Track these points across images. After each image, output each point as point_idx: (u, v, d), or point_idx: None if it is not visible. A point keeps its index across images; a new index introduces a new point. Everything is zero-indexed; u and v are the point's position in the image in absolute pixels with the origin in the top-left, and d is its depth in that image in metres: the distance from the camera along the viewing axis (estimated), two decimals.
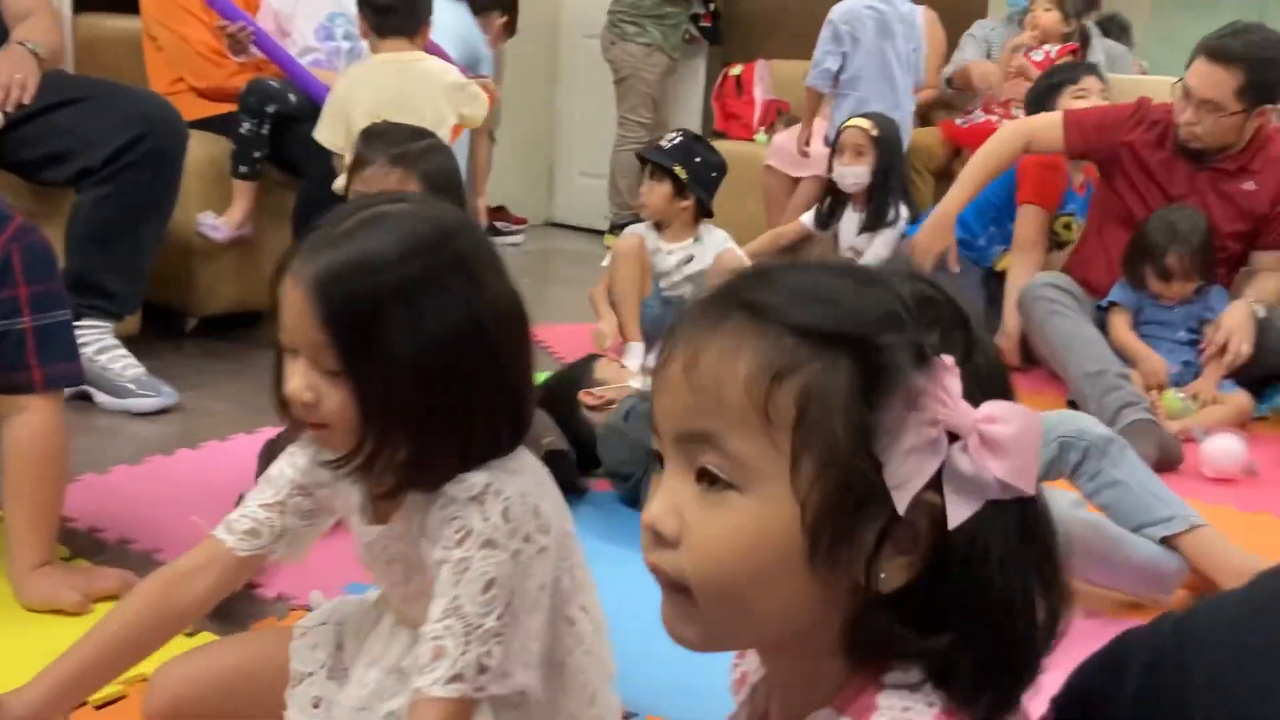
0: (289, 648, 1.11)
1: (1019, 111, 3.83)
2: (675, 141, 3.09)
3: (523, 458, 0.99)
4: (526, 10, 4.95)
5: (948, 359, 0.58)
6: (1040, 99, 3.50)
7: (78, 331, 2.38)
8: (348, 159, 2.69)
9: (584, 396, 2.14)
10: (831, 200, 3.56)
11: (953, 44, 4.60)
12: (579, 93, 5.73)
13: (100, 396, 2.43)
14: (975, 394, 0.58)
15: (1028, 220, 3.30)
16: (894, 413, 0.57)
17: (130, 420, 2.39)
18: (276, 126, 2.95)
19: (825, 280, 0.62)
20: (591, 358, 2.32)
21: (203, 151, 2.89)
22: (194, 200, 2.89)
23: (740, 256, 3.07)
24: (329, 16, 3.29)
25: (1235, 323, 2.75)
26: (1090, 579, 1.72)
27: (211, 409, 2.43)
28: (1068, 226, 3.39)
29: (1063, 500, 1.73)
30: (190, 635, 1.46)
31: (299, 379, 0.93)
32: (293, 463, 1.08)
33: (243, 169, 2.98)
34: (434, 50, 2.94)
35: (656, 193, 3.04)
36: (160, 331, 2.94)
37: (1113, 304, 2.89)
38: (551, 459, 2.06)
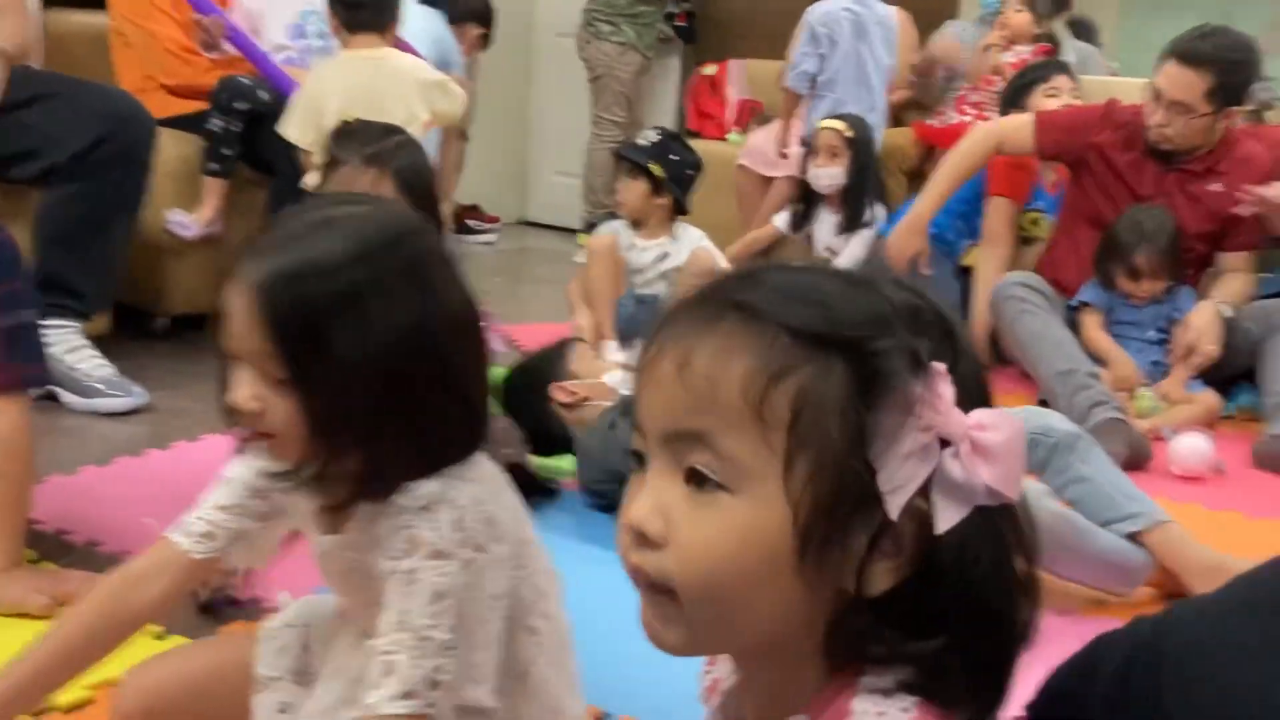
0: (254, 652, 1.09)
1: (992, 112, 3.86)
2: (652, 140, 3.10)
3: (479, 465, 0.96)
4: (501, 9, 4.94)
5: (940, 366, 0.58)
6: (1013, 97, 3.53)
7: (45, 331, 2.36)
8: (316, 156, 2.69)
9: (556, 392, 2.08)
10: (806, 201, 3.57)
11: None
12: (553, 91, 5.72)
13: (68, 397, 2.40)
14: (963, 402, 0.59)
15: (996, 213, 3.32)
16: (890, 417, 0.57)
17: (99, 421, 2.37)
18: (248, 124, 2.93)
19: (817, 282, 0.62)
20: (565, 343, 2.26)
21: (173, 149, 2.87)
22: (164, 198, 2.87)
23: (714, 254, 3.08)
24: (301, 14, 3.27)
25: (1203, 323, 2.78)
26: (1056, 571, 1.73)
27: (182, 409, 2.42)
28: (1035, 223, 3.42)
29: (1032, 489, 1.74)
30: (160, 639, 1.45)
31: (244, 388, 0.91)
32: (250, 464, 1.05)
33: (213, 166, 2.96)
34: (403, 47, 2.94)
35: (633, 190, 3.04)
36: (130, 331, 2.92)
37: (1084, 304, 2.91)
38: (510, 471, 2.07)
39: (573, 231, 5.31)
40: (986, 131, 3.22)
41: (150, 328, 3.04)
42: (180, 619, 1.46)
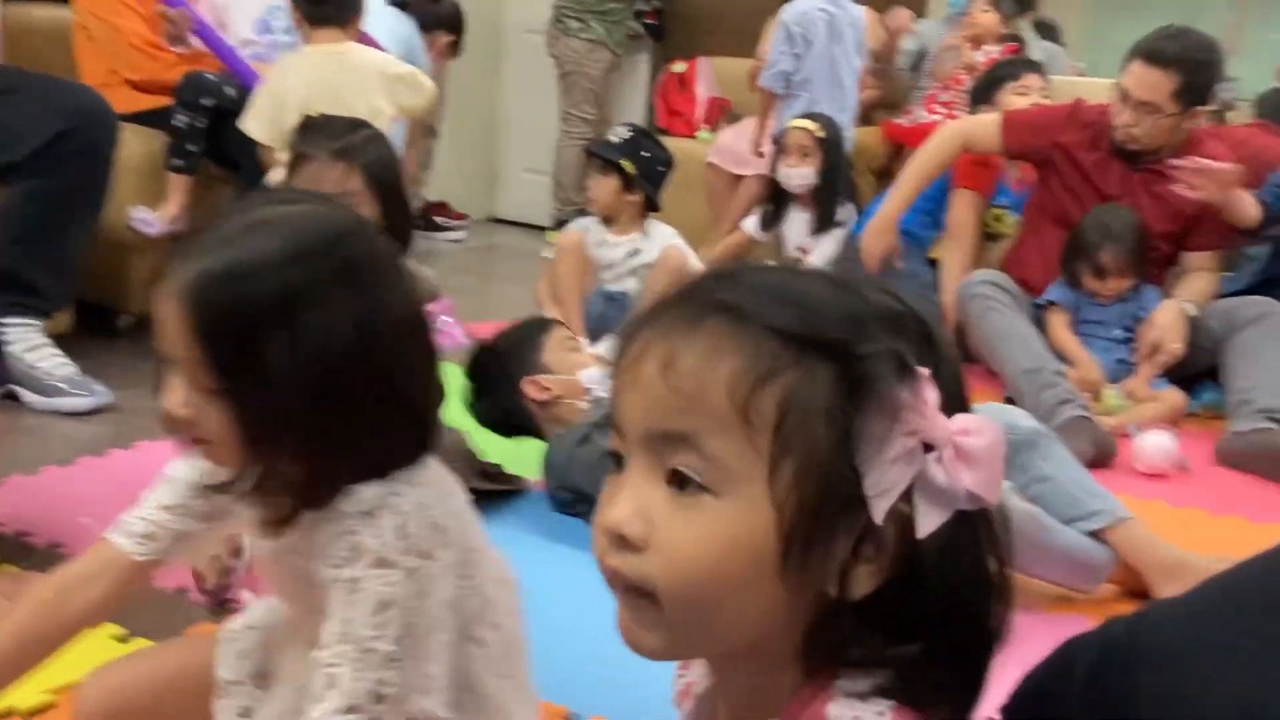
0: (215, 655, 1.06)
1: (961, 111, 3.88)
2: (624, 136, 3.10)
3: (426, 468, 0.93)
4: (470, 5, 4.92)
5: (924, 370, 0.58)
6: (983, 93, 3.56)
7: (5, 330, 2.34)
8: (278, 152, 2.67)
9: (528, 386, 2.02)
10: (776, 200, 3.58)
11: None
12: (521, 88, 5.70)
13: (29, 396, 2.37)
14: (944, 405, 0.59)
15: (961, 206, 3.34)
16: (876, 422, 0.57)
17: (61, 420, 2.34)
18: (214, 120, 2.91)
19: (800, 284, 0.61)
20: (543, 324, 2.18)
21: (137, 145, 2.84)
22: (128, 195, 2.84)
23: (686, 252, 3.08)
24: (268, 9, 3.24)
25: (1167, 321, 2.81)
26: (1021, 566, 1.74)
27: (146, 409, 2.37)
28: (999, 219, 3.44)
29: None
30: (123, 641, 1.43)
31: (175, 394, 0.87)
32: (193, 464, 1.01)
33: (178, 163, 2.92)
34: (367, 42, 2.92)
35: (604, 187, 3.04)
36: (93, 329, 2.88)
37: (1050, 303, 2.93)
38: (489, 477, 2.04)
39: (542, 229, 5.29)
40: (953, 130, 3.24)
41: (113, 326, 3.00)
42: (143, 621, 1.45)
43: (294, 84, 2.53)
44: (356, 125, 1.85)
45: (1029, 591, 1.75)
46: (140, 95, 3.07)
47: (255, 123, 2.56)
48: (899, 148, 4.23)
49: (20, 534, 1.75)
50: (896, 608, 0.59)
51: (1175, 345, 2.78)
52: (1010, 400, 2.68)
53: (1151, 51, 2.85)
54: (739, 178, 4.28)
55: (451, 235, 5.18)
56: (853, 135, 4.07)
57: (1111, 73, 3.02)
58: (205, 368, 0.85)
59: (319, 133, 1.82)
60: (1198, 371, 2.88)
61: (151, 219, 2.90)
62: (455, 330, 1.85)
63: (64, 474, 2.03)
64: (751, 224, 3.68)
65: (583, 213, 3.75)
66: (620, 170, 3.01)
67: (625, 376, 0.62)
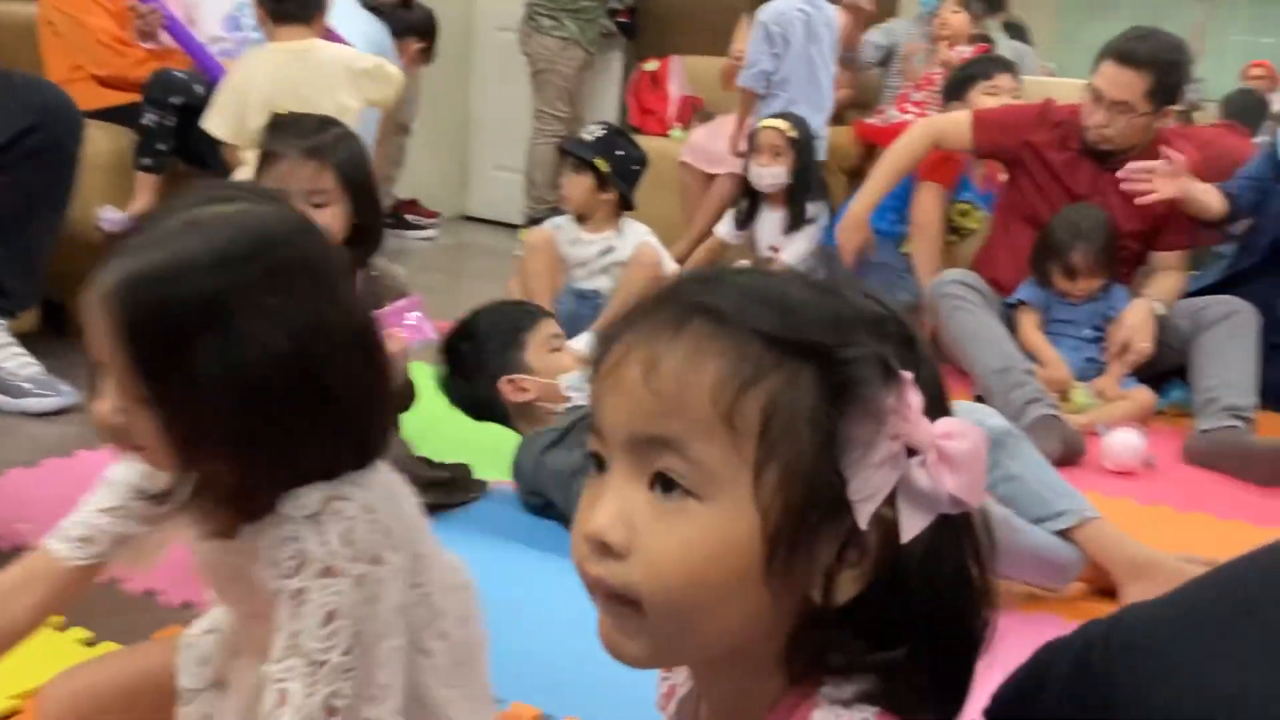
0: (174, 662, 1.04)
1: (934, 111, 3.90)
2: (597, 135, 3.10)
3: (375, 471, 0.90)
4: (442, 2, 4.90)
5: (908, 374, 0.58)
6: (954, 90, 3.57)
7: None
8: (242, 151, 2.65)
9: (505, 386, 1.99)
10: (749, 200, 3.59)
11: None
12: (493, 85, 5.68)
13: None
14: (926, 409, 0.59)
15: (925, 199, 3.35)
16: (861, 426, 0.57)
17: (26, 421, 2.31)
18: (182, 118, 2.88)
19: (782, 287, 0.61)
20: (530, 316, 2.09)
21: (105, 143, 2.81)
22: (95, 193, 2.80)
23: (659, 250, 3.08)
24: (237, 5, 3.21)
25: (1136, 320, 2.83)
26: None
27: None
28: (964, 214, 3.45)
29: None
30: (90, 645, 1.42)
31: (105, 400, 0.84)
32: (133, 466, 0.98)
33: (146, 162, 2.90)
34: (332, 37, 2.90)
35: (578, 185, 3.04)
36: (59, 329, 2.84)
37: (1021, 303, 2.95)
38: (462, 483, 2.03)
39: (514, 227, 5.28)
40: (924, 128, 3.26)
41: (79, 325, 2.97)
42: (111, 625, 1.43)
43: (257, 82, 2.51)
44: (327, 123, 1.83)
45: (999, 591, 1.76)
46: (107, 91, 3.04)
47: (217, 121, 2.54)
48: (871, 147, 4.24)
49: None
50: (880, 612, 0.59)
51: (1144, 344, 2.81)
52: (980, 399, 2.70)
53: (1123, 52, 2.87)
54: (712, 176, 4.28)
55: (423, 233, 5.15)
56: (827, 135, 4.09)
57: (1080, 73, 3.05)
58: (132, 373, 0.82)
59: (289, 131, 1.80)
60: (1165, 370, 2.90)
61: (119, 218, 2.86)
62: (425, 326, 1.83)
63: (30, 475, 2.01)
64: (725, 227, 3.69)
65: (556, 211, 3.74)
66: (594, 169, 3.01)
67: (606, 380, 0.61)
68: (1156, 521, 2.21)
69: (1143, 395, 2.82)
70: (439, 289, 3.96)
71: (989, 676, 0.78)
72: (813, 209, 3.50)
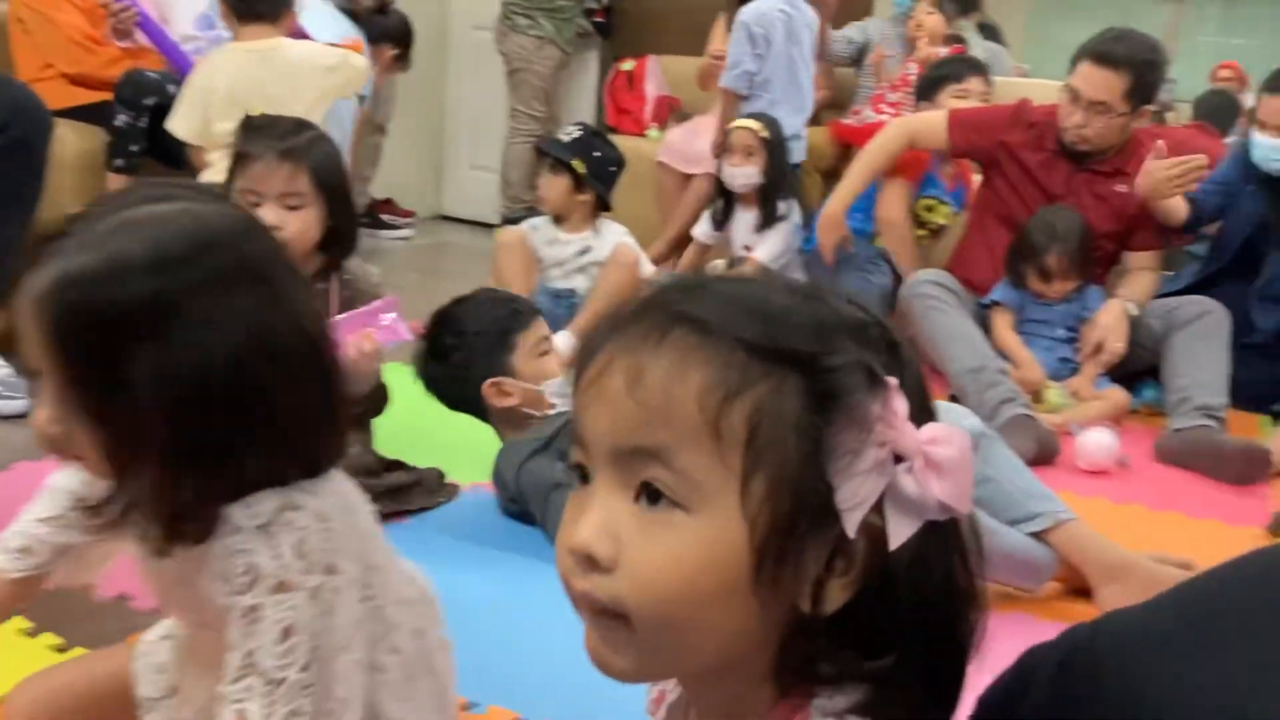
0: (132, 671, 1.01)
1: (909, 112, 3.91)
2: (574, 136, 3.10)
3: (328, 479, 0.86)
4: (418, 1, 4.88)
5: (893, 381, 0.58)
6: (925, 90, 3.59)
7: None
8: (207, 153, 2.64)
9: (489, 389, 1.97)
10: (724, 200, 3.60)
11: None
12: (469, 84, 5.66)
13: None
14: (911, 415, 0.58)
15: (889, 195, 3.36)
16: (848, 434, 0.57)
17: None
18: (155, 119, 2.86)
19: (765, 294, 0.61)
20: (521, 319, 2.03)
21: (76, 143, 2.79)
22: (66, 194, 2.78)
23: (637, 250, 3.08)
24: (211, 4, 3.19)
25: (1110, 321, 2.85)
26: None
27: None
28: (930, 209, 3.46)
29: None
30: (61, 652, 1.40)
31: (44, 410, 0.80)
32: (74, 475, 0.95)
33: (119, 163, 2.88)
34: (300, 35, 2.88)
35: (555, 186, 3.04)
36: None
37: (996, 303, 2.96)
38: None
39: (490, 226, 5.26)
40: (899, 127, 3.27)
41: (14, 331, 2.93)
42: (82, 631, 1.42)
43: (220, 82, 2.49)
44: (301, 126, 1.82)
45: (987, 596, 1.77)
46: (77, 90, 3.02)
47: (181, 122, 2.52)
48: (847, 147, 4.25)
49: None
50: (869, 620, 0.58)
51: (1118, 345, 2.82)
52: (954, 399, 2.71)
53: (1101, 52, 2.88)
54: (689, 177, 4.28)
55: (398, 233, 5.13)
56: (807, 135, 4.10)
57: (1052, 73, 3.06)
58: (65, 380, 0.78)
59: (263, 133, 1.79)
60: (1138, 369, 2.93)
61: None
62: (400, 327, 1.82)
63: (0, 479, 1.99)
64: (702, 228, 3.70)
65: (532, 210, 3.74)
66: (571, 170, 3.01)
67: (589, 391, 0.61)
68: (1130, 520, 2.23)
69: (1117, 395, 2.84)
70: (414, 289, 3.94)
71: (971, 680, 0.78)
72: (784, 207, 3.51)
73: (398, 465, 2.00)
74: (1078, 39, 3.00)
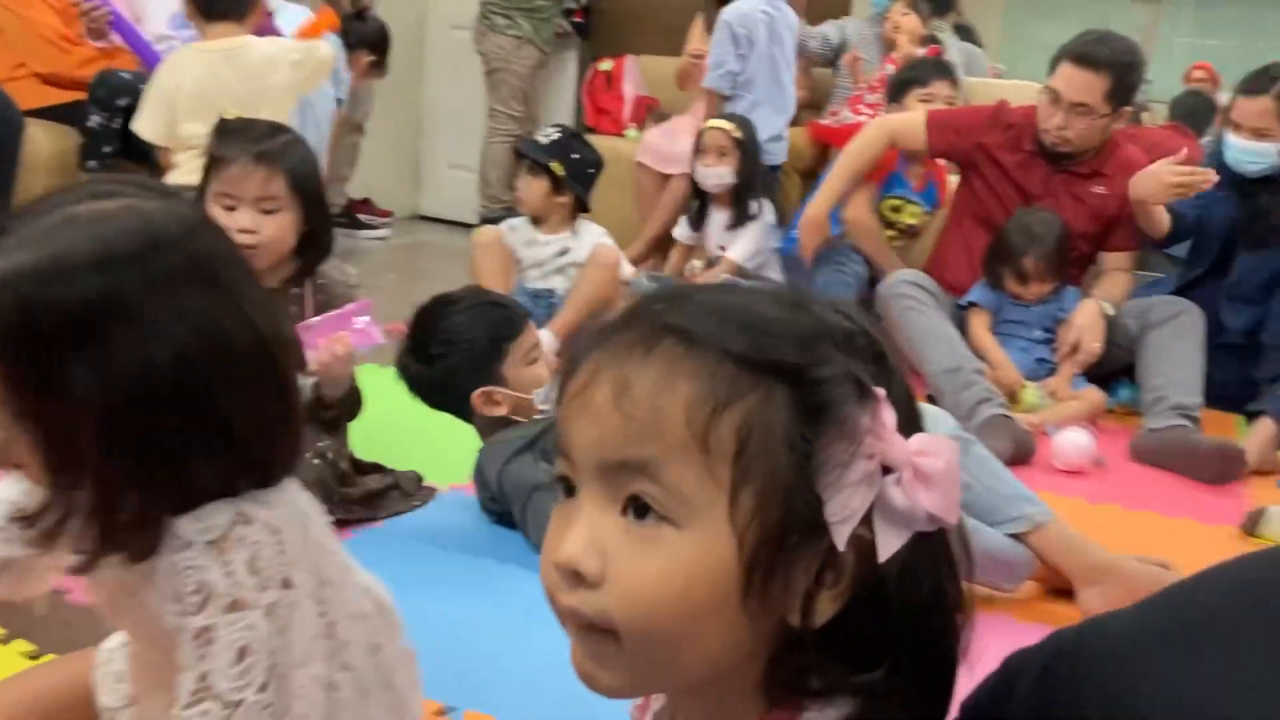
0: (92, 679, 0.98)
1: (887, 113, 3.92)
2: (553, 138, 3.09)
3: (281, 489, 0.83)
4: (396, 1, 4.86)
5: (881, 392, 0.57)
6: (892, 93, 3.60)
7: None
8: (174, 154, 2.62)
9: (479, 399, 1.92)
10: (699, 201, 3.60)
11: None
12: (447, 84, 5.65)
13: None
14: (899, 425, 0.58)
15: (854, 197, 3.36)
16: (837, 446, 0.57)
17: None
18: (129, 119, 2.84)
19: (751, 304, 0.61)
20: (514, 328, 1.97)
21: (48, 144, 2.77)
22: (38, 193, 2.76)
23: (615, 251, 3.08)
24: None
25: (1086, 321, 2.86)
26: None
27: None
28: (896, 209, 3.47)
29: None
30: (34, 659, 1.39)
31: None
32: (15, 485, 0.89)
33: (92, 164, 2.86)
34: (269, 32, 2.86)
35: (533, 188, 3.03)
36: None
37: (973, 304, 2.97)
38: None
39: (468, 226, 5.24)
40: (879, 128, 3.27)
41: None
42: (55, 637, 1.41)
43: (183, 83, 2.47)
44: (276, 129, 1.81)
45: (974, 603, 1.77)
46: (50, 90, 3.00)
47: (146, 124, 2.49)
48: (825, 148, 4.26)
49: None
50: (859, 632, 0.58)
51: (1095, 345, 2.84)
52: (931, 399, 2.72)
53: (1082, 54, 2.90)
54: (667, 177, 4.28)
55: (375, 232, 5.11)
56: (788, 136, 4.11)
57: (1028, 74, 3.08)
58: (3, 383, 0.75)
59: (239, 136, 1.78)
60: (1114, 369, 2.94)
61: None
62: (373, 330, 1.81)
63: None
64: (681, 230, 3.70)
65: (511, 210, 3.73)
66: (550, 172, 3.00)
67: (575, 402, 0.60)
68: (1106, 520, 2.23)
69: (1093, 395, 2.86)
70: (392, 289, 3.93)
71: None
72: (756, 206, 3.52)
73: (374, 468, 1.99)
74: (1053, 40, 3.01)
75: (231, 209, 1.73)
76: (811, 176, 4.02)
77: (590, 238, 3.07)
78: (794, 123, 4.46)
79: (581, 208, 3.09)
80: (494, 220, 3.77)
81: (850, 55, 4.37)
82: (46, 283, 0.73)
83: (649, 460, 0.57)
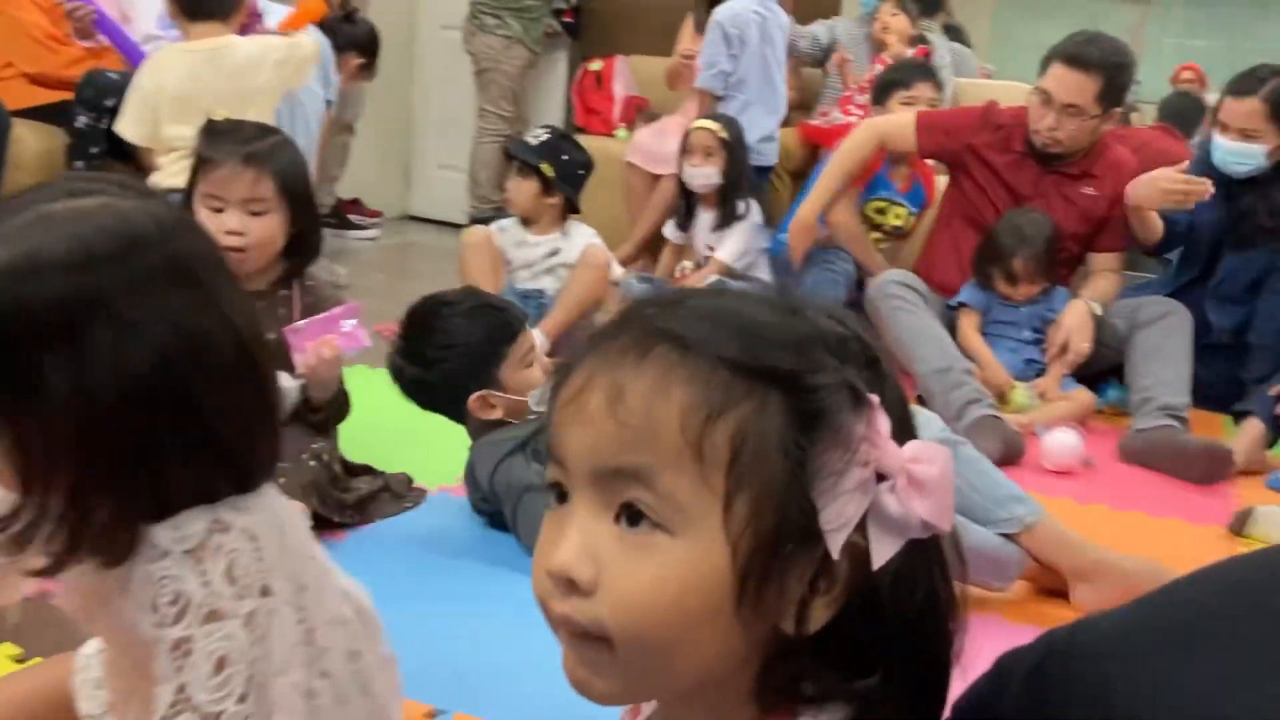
0: (71, 685, 0.97)
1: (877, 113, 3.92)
2: (542, 139, 3.09)
3: (259, 495, 0.82)
4: (384, 0, 4.85)
5: (875, 399, 0.57)
6: (876, 95, 3.60)
7: None
8: (157, 155, 2.61)
9: (475, 403, 1.90)
10: (687, 201, 3.61)
11: None
12: (437, 84, 5.64)
13: None
14: (893, 432, 0.58)
15: (836, 201, 3.36)
16: (830, 454, 0.56)
17: None
18: (114, 119, 2.83)
19: (743, 308, 0.60)
20: (512, 332, 1.94)
21: (35, 144, 2.76)
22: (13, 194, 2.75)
23: (605, 252, 3.08)
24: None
25: (1074, 322, 2.87)
26: None
27: None
28: (880, 211, 3.47)
29: None
30: (20, 662, 1.39)
31: None
32: None
33: (79, 164, 2.85)
34: (252, 29, 2.85)
35: (523, 190, 3.03)
36: None
37: (962, 305, 2.98)
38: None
39: (457, 226, 5.23)
40: (869, 130, 3.27)
41: None
42: (42, 641, 1.40)
43: (166, 83, 2.46)
44: (265, 131, 1.81)
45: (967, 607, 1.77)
46: (37, 89, 2.98)
47: (129, 125, 2.48)
48: (815, 149, 4.26)
49: None
50: (852, 639, 0.58)
51: (1083, 345, 2.85)
52: (920, 400, 2.72)
53: (1074, 55, 2.90)
54: (657, 177, 4.28)
55: (365, 233, 5.10)
56: (779, 137, 4.11)
57: (1017, 74, 3.08)
58: None
59: (227, 138, 1.77)
60: (1103, 369, 2.95)
61: None
62: (360, 333, 1.80)
63: None
64: (671, 231, 3.71)
65: (500, 211, 3.73)
66: (539, 173, 3.00)
67: (568, 408, 0.60)
68: (1094, 520, 2.24)
69: (1082, 396, 2.87)
70: (381, 289, 3.92)
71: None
72: (743, 206, 3.52)
73: (365, 470, 1.98)
74: (1042, 40, 3.02)
75: (219, 210, 1.72)
76: (802, 177, 4.02)
77: (580, 238, 3.07)
78: (784, 123, 4.47)
79: (571, 208, 3.08)
80: (484, 220, 3.76)
81: (838, 56, 4.38)
82: (20, 281, 0.72)
83: (643, 468, 0.57)
